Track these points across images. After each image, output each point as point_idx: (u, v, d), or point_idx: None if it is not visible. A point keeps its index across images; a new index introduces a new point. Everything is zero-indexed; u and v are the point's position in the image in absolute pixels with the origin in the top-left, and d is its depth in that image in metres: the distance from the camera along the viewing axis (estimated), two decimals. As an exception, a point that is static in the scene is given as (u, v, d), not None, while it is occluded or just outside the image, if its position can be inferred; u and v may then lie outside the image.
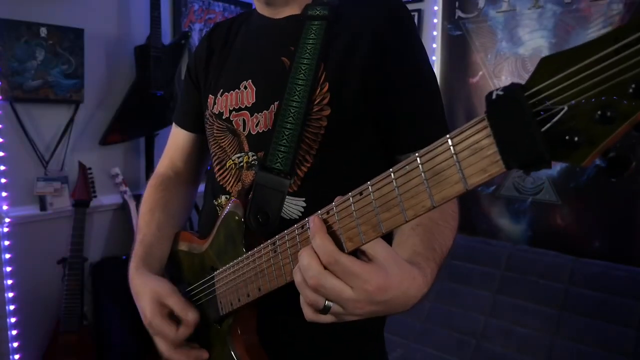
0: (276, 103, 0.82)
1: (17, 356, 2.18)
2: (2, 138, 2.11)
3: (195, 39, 2.82)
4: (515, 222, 2.44)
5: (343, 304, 0.55)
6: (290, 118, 0.79)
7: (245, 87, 0.88)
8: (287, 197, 0.80)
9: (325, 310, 0.56)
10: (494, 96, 0.42)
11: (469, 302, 2.19)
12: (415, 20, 2.70)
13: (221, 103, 0.91)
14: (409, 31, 0.83)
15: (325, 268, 0.55)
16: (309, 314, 0.58)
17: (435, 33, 2.68)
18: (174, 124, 1.06)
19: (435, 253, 0.67)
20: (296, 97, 0.80)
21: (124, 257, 2.45)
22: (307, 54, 0.81)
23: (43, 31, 2.14)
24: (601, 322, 1.91)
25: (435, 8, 2.67)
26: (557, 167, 2.29)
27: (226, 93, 0.90)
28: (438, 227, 0.71)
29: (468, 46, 2.56)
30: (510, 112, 0.41)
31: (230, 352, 0.79)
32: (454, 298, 2.23)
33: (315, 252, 0.55)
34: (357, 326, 0.87)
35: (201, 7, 2.82)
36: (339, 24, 0.83)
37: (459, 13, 2.58)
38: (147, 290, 0.83)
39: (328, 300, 0.55)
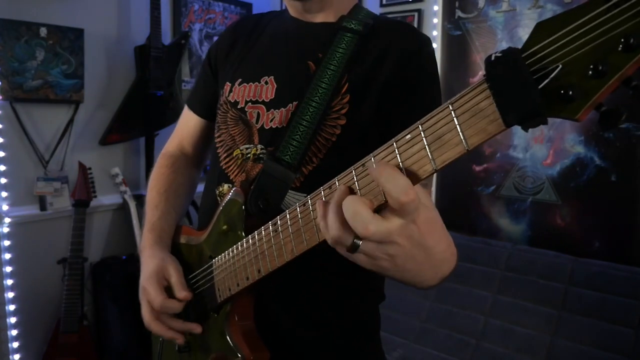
0: (295, 103, 0.85)
1: (17, 356, 2.18)
2: (2, 138, 2.11)
3: (195, 39, 2.82)
4: (515, 222, 2.44)
5: (384, 233, 0.49)
6: (308, 116, 0.82)
7: (267, 83, 0.90)
8: (290, 191, 0.82)
9: (354, 247, 0.51)
10: (492, 58, 0.44)
11: (469, 302, 2.19)
12: (416, 20, 2.70)
13: (238, 92, 0.92)
14: (431, 68, 0.87)
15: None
16: (341, 251, 0.53)
17: (435, 33, 2.67)
18: (186, 106, 1.08)
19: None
20: (317, 98, 0.83)
21: (124, 257, 2.45)
22: (335, 62, 0.84)
23: (43, 31, 2.14)
24: (601, 322, 1.91)
25: (435, 8, 2.67)
26: (557, 167, 2.29)
27: (245, 84, 0.92)
28: None
29: (468, 46, 2.56)
30: (508, 72, 0.43)
31: (227, 339, 0.80)
32: (454, 298, 2.23)
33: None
34: (353, 326, 0.88)
35: (201, 7, 2.82)
36: (370, 42, 0.86)
37: (459, 13, 2.58)
38: (155, 260, 0.86)
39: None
